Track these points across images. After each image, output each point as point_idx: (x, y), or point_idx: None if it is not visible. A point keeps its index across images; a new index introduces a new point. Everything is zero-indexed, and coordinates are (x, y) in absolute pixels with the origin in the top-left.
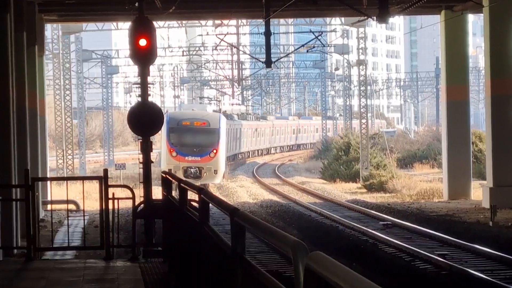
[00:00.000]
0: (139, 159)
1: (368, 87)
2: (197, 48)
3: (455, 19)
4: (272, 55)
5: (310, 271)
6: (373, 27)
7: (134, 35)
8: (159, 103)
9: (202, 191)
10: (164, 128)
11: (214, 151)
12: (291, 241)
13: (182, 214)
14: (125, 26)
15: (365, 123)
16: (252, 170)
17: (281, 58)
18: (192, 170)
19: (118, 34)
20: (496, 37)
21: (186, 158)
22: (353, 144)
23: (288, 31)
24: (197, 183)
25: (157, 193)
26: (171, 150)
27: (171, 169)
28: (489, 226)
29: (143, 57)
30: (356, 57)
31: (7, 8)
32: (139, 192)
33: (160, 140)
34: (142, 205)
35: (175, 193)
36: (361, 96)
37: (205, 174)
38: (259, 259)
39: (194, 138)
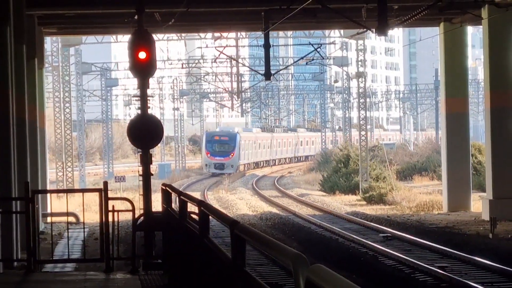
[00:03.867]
0: (138, 171)
1: (368, 99)
2: (196, 61)
3: (454, 31)
4: (271, 68)
5: (311, 283)
6: (372, 39)
7: (134, 48)
8: (159, 116)
9: (202, 203)
10: (203, 140)
11: (232, 154)
12: (291, 253)
13: (182, 226)
14: (124, 38)
15: (365, 135)
16: (251, 182)
17: (280, 70)
18: (218, 164)
19: (117, 46)
20: (495, 49)
21: (215, 158)
22: (352, 156)
23: (287, 43)
24: (222, 170)
25: (157, 205)
26: (207, 153)
27: (207, 164)
28: (489, 238)
29: (143, 69)
30: (355, 69)
31: (7, 21)
32: (139, 205)
33: (159, 153)
34: (142, 218)
35: (175, 206)
36: (360, 108)
37: (226, 167)
38: (259, 271)
39: (220, 146)
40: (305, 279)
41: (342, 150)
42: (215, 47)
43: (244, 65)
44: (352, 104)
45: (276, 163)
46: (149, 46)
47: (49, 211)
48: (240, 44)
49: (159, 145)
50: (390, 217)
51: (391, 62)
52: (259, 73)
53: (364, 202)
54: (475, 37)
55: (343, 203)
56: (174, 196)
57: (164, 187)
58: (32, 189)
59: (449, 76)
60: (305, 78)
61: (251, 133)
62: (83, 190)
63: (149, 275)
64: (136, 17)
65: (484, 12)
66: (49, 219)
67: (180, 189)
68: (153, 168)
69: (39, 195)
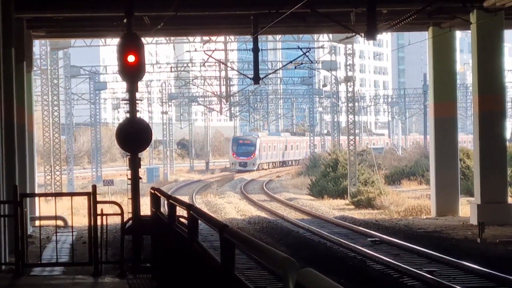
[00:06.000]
0: (127, 175)
1: (356, 104)
2: (185, 64)
3: (442, 36)
4: (260, 72)
5: (300, 287)
6: (361, 43)
7: (123, 51)
8: (147, 119)
9: (191, 207)
10: (230, 143)
11: (253, 154)
12: (281, 257)
13: (171, 230)
14: (113, 42)
15: (353, 140)
16: (240, 186)
17: (269, 74)
18: (242, 163)
19: (106, 50)
20: (484, 54)
21: (240, 158)
22: (341, 161)
23: (276, 47)
24: (245, 168)
25: (145, 209)
26: (233, 154)
27: (233, 162)
28: (477, 243)
29: (132, 73)
30: (344, 74)
31: None
32: (128, 208)
33: (147, 157)
34: (130, 221)
35: (163, 209)
36: (348, 113)
37: (248, 165)
38: (247, 275)
39: (243, 148)
40: (294, 283)
41: (331, 155)
42: (204, 51)
43: (232, 69)
44: (341, 108)
45: None
46: (138, 50)
47: (37, 214)
48: (228, 48)
49: (147, 148)
50: (379, 221)
51: (379, 66)
52: (248, 77)
53: (353, 207)
54: (463, 41)
55: (331, 207)
56: (162, 200)
57: (153, 191)
58: (20, 192)
59: (437, 81)
60: (293, 82)
61: (279, 136)
62: (71, 194)
63: (137, 279)
64: (125, 20)
65: (473, 17)
66: (37, 223)
67: (169, 193)
68: (141, 171)
69: (27, 199)
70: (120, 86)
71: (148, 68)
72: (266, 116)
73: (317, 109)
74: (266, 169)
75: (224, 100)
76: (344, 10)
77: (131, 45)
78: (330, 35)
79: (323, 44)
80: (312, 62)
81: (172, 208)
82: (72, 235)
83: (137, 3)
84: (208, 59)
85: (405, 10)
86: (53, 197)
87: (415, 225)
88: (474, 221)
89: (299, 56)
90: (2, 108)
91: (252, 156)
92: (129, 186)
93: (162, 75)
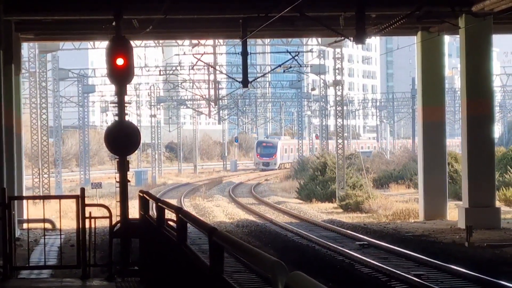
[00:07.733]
0: (115, 178)
1: (345, 107)
2: (173, 68)
3: (431, 40)
4: (248, 75)
5: None
6: (350, 47)
7: (111, 54)
8: (136, 122)
9: (180, 210)
10: (255, 146)
11: (275, 155)
12: (270, 261)
13: (160, 233)
14: (102, 45)
15: (341, 143)
16: (228, 189)
17: (257, 78)
18: (265, 163)
19: (95, 53)
20: (472, 58)
21: (263, 158)
22: (329, 164)
23: (265, 51)
24: (267, 167)
25: (133, 212)
26: (257, 155)
27: (257, 163)
28: (464, 247)
29: (120, 76)
30: (332, 77)
31: None
32: (116, 211)
33: (135, 160)
34: (119, 224)
35: (152, 213)
36: (337, 116)
37: (270, 165)
38: (236, 278)
39: (266, 150)
40: (284, 286)
41: (319, 158)
42: (193, 54)
43: (221, 72)
44: (329, 112)
45: None
46: (127, 53)
47: (25, 217)
48: (217, 52)
49: (136, 152)
50: (367, 225)
51: (368, 70)
52: (237, 81)
53: (341, 210)
54: (451, 46)
55: (319, 211)
56: (151, 203)
57: (141, 194)
58: (8, 195)
59: (426, 85)
60: (282, 85)
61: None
62: (59, 197)
63: (125, 282)
64: (114, 23)
65: (461, 21)
66: (25, 226)
67: (157, 196)
68: (130, 174)
69: (15, 201)
70: (108, 89)
71: (136, 71)
72: (254, 120)
73: (306, 113)
74: (288, 168)
75: (212, 104)
76: (333, 14)
77: (120, 48)
78: (319, 39)
79: (312, 48)
80: (300, 66)
81: (160, 211)
82: (60, 238)
83: (126, 6)
84: (197, 62)
85: (394, 14)
86: (41, 200)
87: (403, 228)
88: (462, 225)
89: (288, 60)
90: None
91: (273, 157)
92: (118, 189)
93: (150, 78)
